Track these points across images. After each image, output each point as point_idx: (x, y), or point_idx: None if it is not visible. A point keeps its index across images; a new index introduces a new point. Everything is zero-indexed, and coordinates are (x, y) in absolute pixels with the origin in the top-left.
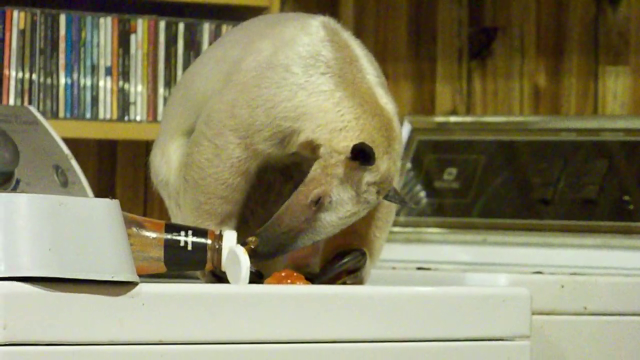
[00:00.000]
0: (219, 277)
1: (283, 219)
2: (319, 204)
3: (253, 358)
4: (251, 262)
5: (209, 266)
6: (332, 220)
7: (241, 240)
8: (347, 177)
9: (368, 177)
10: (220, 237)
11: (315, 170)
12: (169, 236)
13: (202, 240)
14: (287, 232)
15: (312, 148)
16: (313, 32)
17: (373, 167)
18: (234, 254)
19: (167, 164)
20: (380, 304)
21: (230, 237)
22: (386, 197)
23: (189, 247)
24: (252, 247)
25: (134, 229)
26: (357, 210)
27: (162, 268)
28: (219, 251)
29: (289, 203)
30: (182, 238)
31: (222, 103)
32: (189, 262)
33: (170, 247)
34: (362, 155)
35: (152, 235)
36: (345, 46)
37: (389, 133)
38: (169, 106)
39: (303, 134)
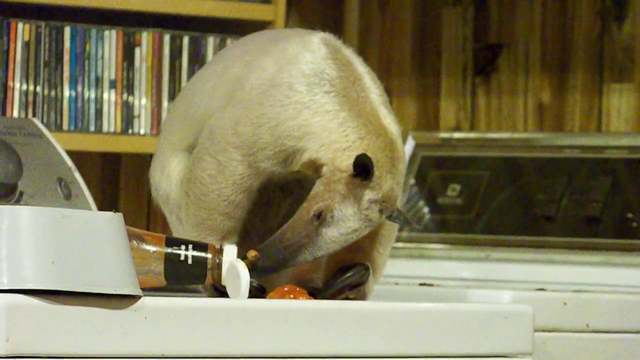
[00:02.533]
0: (221, 291)
1: (285, 234)
2: (320, 219)
3: None
4: (251, 277)
5: (209, 280)
6: (333, 236)
7: (241, 255)
8: (349, 194)
9: (370, 194)
10: (220, 252)
11: (317, 186)
12: (169, 250)
13: (203, 254)
14: (289, 246)
15: (316, 168)
16: (315, 49)
17: (376, 185)
18: (234, 268)
19: (167, 179)
20: (383, 320)
21: (230, 251)
22: (389, 218)
23: (189, 261)
24: (252, 261)
25: (135, 242)
26: (358, 227)
27: (162, 282)
28: (219, 265)
29: (292, 219)
30: (182, 252)
31: (225, 120)
32: (189, 276)
33: (171, 261)
34: (363, 169)
35: (153, 248)
36: (348, 64)
37: (393, 153)
38: (168, 122)
39: (307, 153)
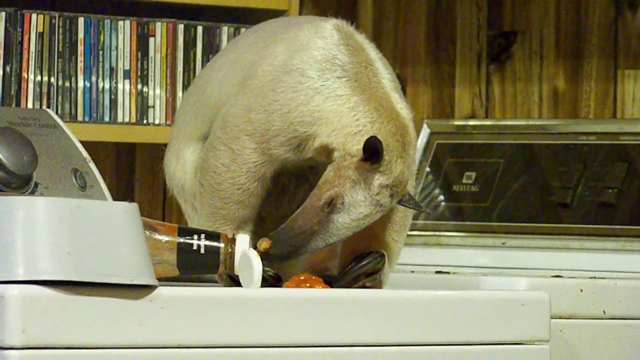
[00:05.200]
0: (238, 280)
1: (296, 221)
2: (331, 205)
3: None
4: (266, 266)
5: (221, 270)
6: (344, 222)
7: (254, 244)
8: (359, 179)
9: (381, 179)
10: (233, 241)
11: (328, 172)
12: (181, 239)
13: (215, 243)
14: (301, 234)
15: (327, 153)
16: (327, 35)
17: (386, 170)
18: (247, 257)
19: (182, 169)
20: (399, 308)
21: (243, 240)
22: (400, 202)
23: (202, 251)
24: (263, 249)
25: (147, 232)
26: (369, 212)
27: (174, 271)
28: (231, 255)
29: (303, 206)
30: (195, 241)
31: (237, 108)
32: (201, 266)
33: (183, 251)
34: (372, 152)
35: (165, 238)
36: (360, 49)
37: (404, 138)
38: (181, 111)
39: (318, 138)
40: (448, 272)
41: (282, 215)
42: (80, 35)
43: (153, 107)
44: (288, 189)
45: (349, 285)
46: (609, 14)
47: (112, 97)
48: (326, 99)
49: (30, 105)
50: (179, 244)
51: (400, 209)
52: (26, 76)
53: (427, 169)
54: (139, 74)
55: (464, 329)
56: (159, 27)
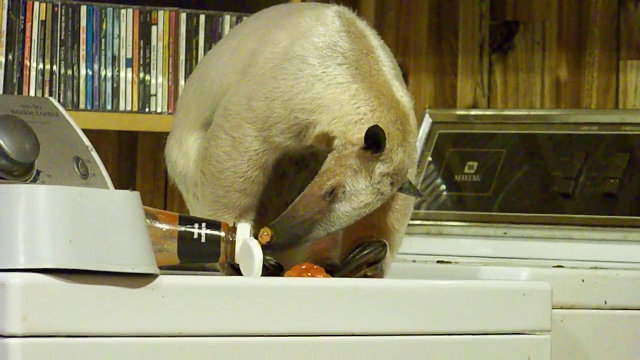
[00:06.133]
0: (238, 269)
1: (297, 210)
2: (332, 194)
3: (273, 351)
4: (264, 255)
5: (222, 259)
6: (346, 211)
7: (254, 233)
8: (360, 168)
9: (382, 167)
10: (234, 230)
11: (329, 161)
12: (182, 228)
13: (216, 232)
14: (302, 223)
15: (327, 141)
16: (328, 22)
17: (387, 158)
18: (248, 246)
19: (184, 157)
20: (401, 297)
21: (243, 229)
22: (401, 189)
23: (203, 239)
24: (266, 242)
25: (148, 221)
26: (370, 201)
27: (175, 260)
28: (232, 243)
29: (304, 194)
30: (195, 230)
31: (239, 96)
32: (202, 255)
33: (184, 239)
34: (374, 141)
35: (166, 227)
36: (362, 36)
37: (404, 126)
38: (183, 99)
39: (319, 126)
40: (449, 262)
41: (282, 201)
42: (83, 23)
43: (155, 95)
44: (288, 175)
45: (350, 275)
46: (611, 5)
47: (114, 85)
48: (327, 87)
49: (32, 93)
50: (179, 232)
51: (401, 198)
52: (28, 64)
53: (429, 159)
54: (141, 62)
55: (465, 318)
56: (162, 16)
